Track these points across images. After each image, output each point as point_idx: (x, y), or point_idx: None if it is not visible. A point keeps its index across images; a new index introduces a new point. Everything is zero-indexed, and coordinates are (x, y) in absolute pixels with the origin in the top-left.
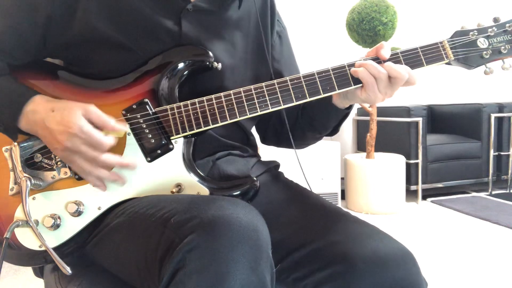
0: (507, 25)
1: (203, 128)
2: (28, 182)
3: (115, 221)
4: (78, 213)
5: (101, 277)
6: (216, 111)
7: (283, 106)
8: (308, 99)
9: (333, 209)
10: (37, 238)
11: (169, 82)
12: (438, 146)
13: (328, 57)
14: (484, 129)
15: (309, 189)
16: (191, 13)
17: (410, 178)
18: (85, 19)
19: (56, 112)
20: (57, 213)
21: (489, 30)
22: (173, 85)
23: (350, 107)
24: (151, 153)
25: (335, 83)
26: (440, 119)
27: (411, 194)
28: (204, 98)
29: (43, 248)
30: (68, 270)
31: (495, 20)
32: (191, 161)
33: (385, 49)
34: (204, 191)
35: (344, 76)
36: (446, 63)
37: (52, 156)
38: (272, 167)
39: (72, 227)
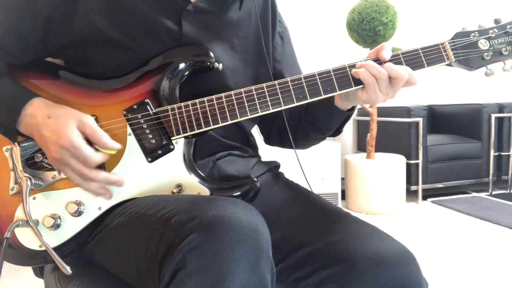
0: (508, 26)
1: (204, 129)
2: (29, 182)
3: (115, 221)
4: (78, 213)
5: (101, 277)
6: (217, 111)
7: (284, 107)
8: (309, 100)
9: (333, 209)
10: (37, 238)
11: (170, 83)
12: (439, 146)
13: (329, 57)
14: (485, 129)
15: (310, 189)
16: (192, 13)
17: (411, 178)
18: (86, 19)
19: (51, 120)
20: (57, 213)
21: (490, 31)
22: (174, 86)
23: (352, 109)
24: (152, 153)
25: (336, 84)
26: (440, 119)
27: (411, 194)
28: (205, 99)
29: (43, 248)
30: (68, 270)
31: (496, 21)
32: (192, 162)
33: (386, 50)
34: (205, 191)
35: (345, 77)
36: (447, 65)
37: None
38: (273, 168)
39: (72, 227)
